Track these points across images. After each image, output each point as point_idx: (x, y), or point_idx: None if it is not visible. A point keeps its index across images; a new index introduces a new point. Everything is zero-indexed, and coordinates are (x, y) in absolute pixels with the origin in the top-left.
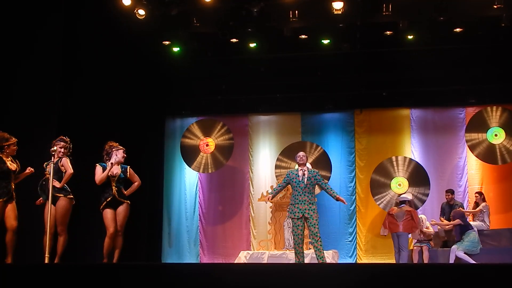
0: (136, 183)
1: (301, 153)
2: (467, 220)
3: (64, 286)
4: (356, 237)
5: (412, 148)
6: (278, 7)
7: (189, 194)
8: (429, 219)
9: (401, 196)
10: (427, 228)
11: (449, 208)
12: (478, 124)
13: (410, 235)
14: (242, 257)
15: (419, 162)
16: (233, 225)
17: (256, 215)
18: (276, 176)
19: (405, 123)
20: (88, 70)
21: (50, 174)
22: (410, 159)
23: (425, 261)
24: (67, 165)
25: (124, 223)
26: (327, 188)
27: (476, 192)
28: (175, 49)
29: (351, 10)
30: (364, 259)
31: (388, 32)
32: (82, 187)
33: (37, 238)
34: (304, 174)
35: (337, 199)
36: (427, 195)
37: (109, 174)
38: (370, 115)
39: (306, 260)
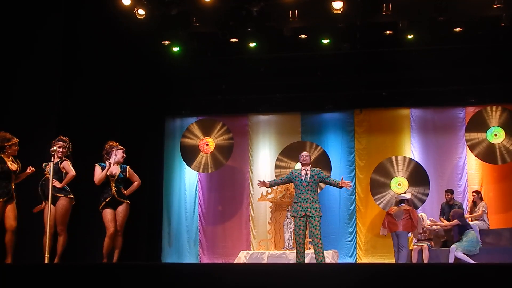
0: (135, 183)
1: (304, 153)
2: (466, 220)
3: (64, 286)
4: (356, 237)
5: (412, 148)
6: (278, 7)
7: (189, 194)
8: (429, 218)
9: (400, 195)
10: (428, 225)
11: (449, 208)
12: (478, 124)
13: (410, 234)
14: (242, 257)
15: (419, 162)
16: (233, 225)
17: (256, 215)
18: (276, 176)
19: (405, 123)
20: (88, 70)
21: (50, 174)
22: (410, 159)
23: (425, 260)
24: (68, 167)
25: (123, 223)
26: (330, 180)
27: (474, 191)
28: (175, 49)
29: (351, 10)
30: (364, 259)
31: (388, 32)
32: (82, 187)
33: (37, 238)
34: (307, 174)
35: (342, 186)
36: (427, 195)
37: (108, 174)
38: (370, 115)
39: (306, 260)
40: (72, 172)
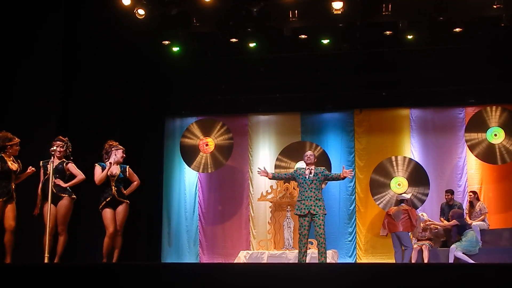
0: (135, 183)
1: (308, 152)
2: (465, 220)
3: (64, 286)
4: (355, 237)
5: (411, 148)
6: (278, 7)
7: (188, 194)
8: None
9: (401, 195)
10: (426, 223)
11: (449, 209)
12: (478, 124)
13: (410, 234)
14: (242, 257)
15: (419, 162)
16: (233, 225)
17: (255, 215)
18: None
19: (405, 123)
20: (88, 70)
21: (50, 174)
22: (410, 159)
23: (425, 260)
24: (76, 171)
25: (123, 223)
26: (333, 176)
27: (470, 191)
28: (175, 49)
29: (351, 10)
30: (363, 258)
31: (388, 32)
32: (82, 187)
33: (37, 238)
34: (311, 172)
35: (344, 176)
36: (426, 195)
37: (108, 174)
38: (369, 115)
39: (306, 260)
40: (81, 175)
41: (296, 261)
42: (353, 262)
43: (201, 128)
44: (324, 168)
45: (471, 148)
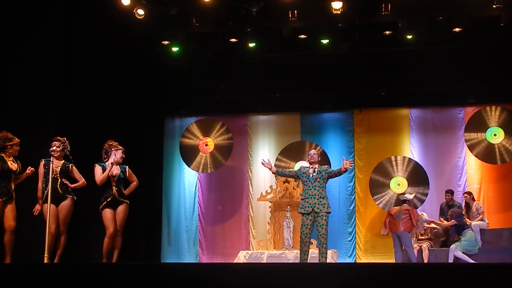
0: (134, 183)
1: (312, 151)
2: (464, 219)
3: (64, 286)
4: (355, 237)
5: (411, 148)
6: (277, 7)
7: (188, 194)
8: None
9: (404, 195)
10: (426, 222)
11: (448, 209)
12: (477, 124)
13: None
14: (241, 257)
15: (418, 162)
16: (232, 225)
17: (255, 215)
18: (276, 176)
19: (404, 123)
20: (88, 70)
21: (49, 173)
22: (409, 159)
23: (425, 260)
24: (79, 175)
25: (123, 223)
26: (335, 172)
27: (465, 192)
28: (174, 49)
29: (350, 10)
30: (363, 258)
31: (387, 32)
32: (82, 187)
33: (37, 238)
34: (314, 171)
35: (345, 169)
36: (426, 194)
37: (109, 174)
38: (369, 115)
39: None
40: (83, 180)
41: (296, 261)
42: (353, 262)
43: (200, 128)
44: (327, 166)
45: (471, 148)
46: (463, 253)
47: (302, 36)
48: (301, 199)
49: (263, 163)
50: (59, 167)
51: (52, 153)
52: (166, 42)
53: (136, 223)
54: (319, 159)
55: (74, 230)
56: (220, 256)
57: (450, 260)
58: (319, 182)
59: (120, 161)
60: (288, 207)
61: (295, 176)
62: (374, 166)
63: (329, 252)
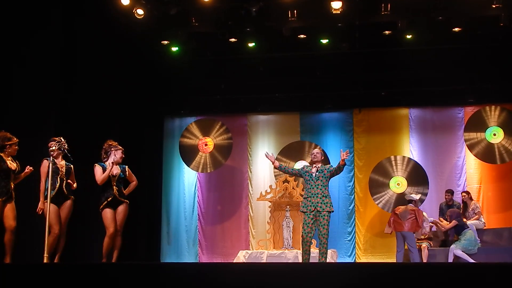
0: (133, 183)
1: (315, 150)
2: (462, 219)
3: (64, 286)
4: (355, 237)
5: (410, 148)
6: (277, 6)
7: (188, 193)
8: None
9: (410, 195)
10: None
11: (448, 209)
12: (477, 124)
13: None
14: (241, 257)
15: (418, 162)
16: (232, 225)
17: (255, 215)
18: (275, 176)
19: (404, 123)
20: (87, 69)
21: (49, 173)
22: (409, 159)
23: (424, 260)
24: (73, 178)
25: (123, 223)
26: (335, 168)
27: (463, 192)
28: (174, 49)
29: (350, 9)
30: (363, 258)
31: (387, 32)
32: (81, 187)
33: (37, 238)
34: (317, 170)
35: (343, 162)
36: (425, 194)
37: (109, 174)
38: (369, 115)
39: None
40: (75, 183)
41: (295, 261)
42: (352, 261)
43: (200, 128)
44: (330, 165)
45: (470, 147)
46: (463, 252)
47: (302, 36)
48: (304, 198)
49: (266, 155)
50: (64, 167)
51: (52, 153)
52: (166, 42)
53: (136, 223)
54: (322, 158)
55: (74, 230)
56: (219, 256)
57: (450, 260)
58: (321, 181)
59: (119, 161)
60: (288, 206)
61: (297, 174)
62: (373, 166)
63: (329, 251)
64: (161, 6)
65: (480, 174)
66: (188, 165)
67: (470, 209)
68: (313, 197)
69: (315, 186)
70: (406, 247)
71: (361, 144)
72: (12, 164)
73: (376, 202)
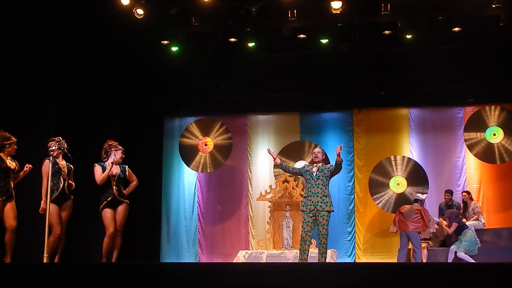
0: (133, 183)
1: (316, 150)
2: (461, 220)
3: (64, 286)
4: (354, 237)
5: (410, 148)
6: (277, 6)
7: (187, 193)
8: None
9: (417, 194)
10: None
11: (447, 209)
12: (477, 124)
13: (420, 235)
14: (241, 257)
15: (418, 162)
16: (232, 225)
17: (254, 215)
18: (275, 176)
19: (404, 123)
20: (87, 69)
21: (49, 173)
22: (409, 159)
23: (424, 260)
24: (72, 178)
25: (123, 223)
26: (334, 167)
27: (464, 191)
28: (174, 49)
29: (350, 9)
30: (362, 258)
31: (386, 32)
32: (81, 187)
33: (37, 238)
34: (318, 169)
35: (339, 157)
36: (425, 194)
37: (109, 173)
38: (368, 115)
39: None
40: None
41: (295, 261)
42: (352, 261)
43: (200, 128)
44: (331, 164)
45: (470, 147)
46: (465, 253)
47: (302, 36)
48: (304, 197)
49: (269, 151)
50: (65, 167)
51: (52, 153)
52: (166, 42)
53: (136, 223)
54: (323, 157)
55: (74, 230)
56: (219, 256)
57: (450, 260)
58: (322, 180)
59: (119, 161)
60: (288, 206)
61: (298, 173)
62: (373, 166)
63: (329, 251)
64: (161, 6)
65: (480, 174)
66: (188, 165)
67: (470, 209)
68: (313, 196)
69: (315, 185)
70: (410, 246)
71: (361, 144)
72: (11, 164)
73: (376, 202)
